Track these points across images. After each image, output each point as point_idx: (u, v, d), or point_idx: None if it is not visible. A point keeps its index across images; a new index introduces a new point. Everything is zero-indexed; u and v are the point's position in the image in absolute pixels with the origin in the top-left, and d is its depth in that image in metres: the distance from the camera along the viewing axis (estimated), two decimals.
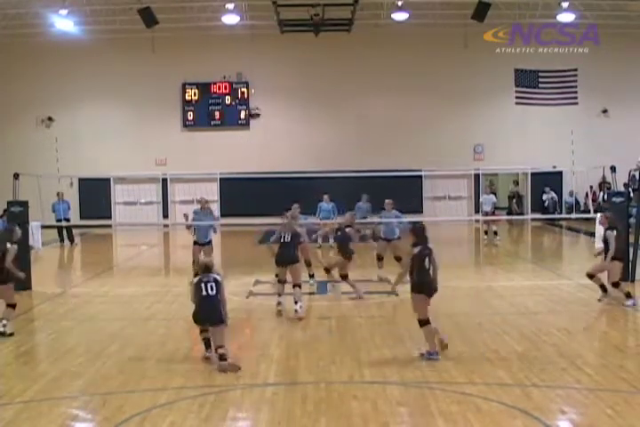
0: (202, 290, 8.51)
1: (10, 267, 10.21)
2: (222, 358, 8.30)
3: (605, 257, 12.02)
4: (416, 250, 8.63)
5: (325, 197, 20.74)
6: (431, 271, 8.62)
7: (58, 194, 23.68)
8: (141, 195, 29.56)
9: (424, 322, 8.63)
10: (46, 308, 12.44)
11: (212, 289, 8.51)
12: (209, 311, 8.49)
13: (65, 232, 23.23)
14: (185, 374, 8.19)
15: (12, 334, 10.08)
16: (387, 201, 14.87)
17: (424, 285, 8.60)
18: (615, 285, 11.88)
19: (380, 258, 14.65)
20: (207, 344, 8.67)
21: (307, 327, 10.54)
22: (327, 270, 13.34)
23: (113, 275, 17.34)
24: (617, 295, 11.82)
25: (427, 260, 8.58)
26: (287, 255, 11.55)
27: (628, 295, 11.68)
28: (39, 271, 15.16)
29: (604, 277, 12.03)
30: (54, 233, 23.03)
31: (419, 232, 8.80)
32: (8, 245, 10.30)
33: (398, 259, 14.19)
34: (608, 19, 27.33)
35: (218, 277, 8.65)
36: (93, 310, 12.29)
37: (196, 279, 8.70)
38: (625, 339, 9.93)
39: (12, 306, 10.35)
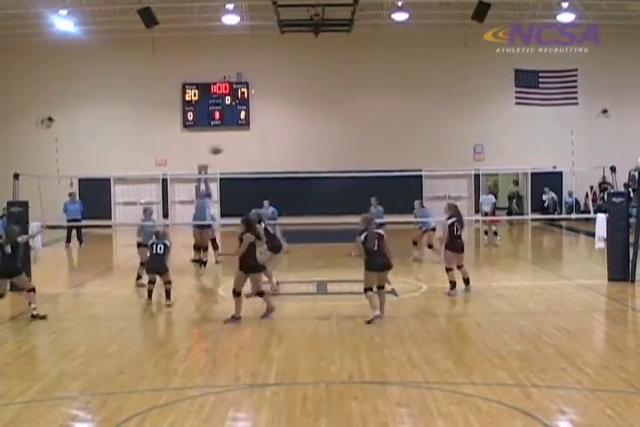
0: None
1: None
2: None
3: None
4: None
5: (265, 202, 20.06)
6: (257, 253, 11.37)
7: (70, 194, 23.58)
8: (141, 195, 29.55)
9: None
10: (46, 308, 12.41)
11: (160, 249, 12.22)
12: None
13: (75, 232, 23.12)
14: (185, 374, 8.19)
15: (44, 317, 11.21)
16: (372, 199, 17.93)
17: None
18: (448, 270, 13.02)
19: (415, 243, 17.60)
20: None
21: (307, 327, 10.54)
22: None
23: (113, 275, 17.35)
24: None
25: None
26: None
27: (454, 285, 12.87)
28: (39, 271, 15.12)
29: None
30: (56, 233, 22.92)
31: (249, 223, 11.81)
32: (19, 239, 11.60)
33: (430, 246, 17.03)
34: (608, 19, 27.32)
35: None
36: (93, 310, 12.30)
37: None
38: (625, 339, 9.91)
39: (32, 290, 11.45)
